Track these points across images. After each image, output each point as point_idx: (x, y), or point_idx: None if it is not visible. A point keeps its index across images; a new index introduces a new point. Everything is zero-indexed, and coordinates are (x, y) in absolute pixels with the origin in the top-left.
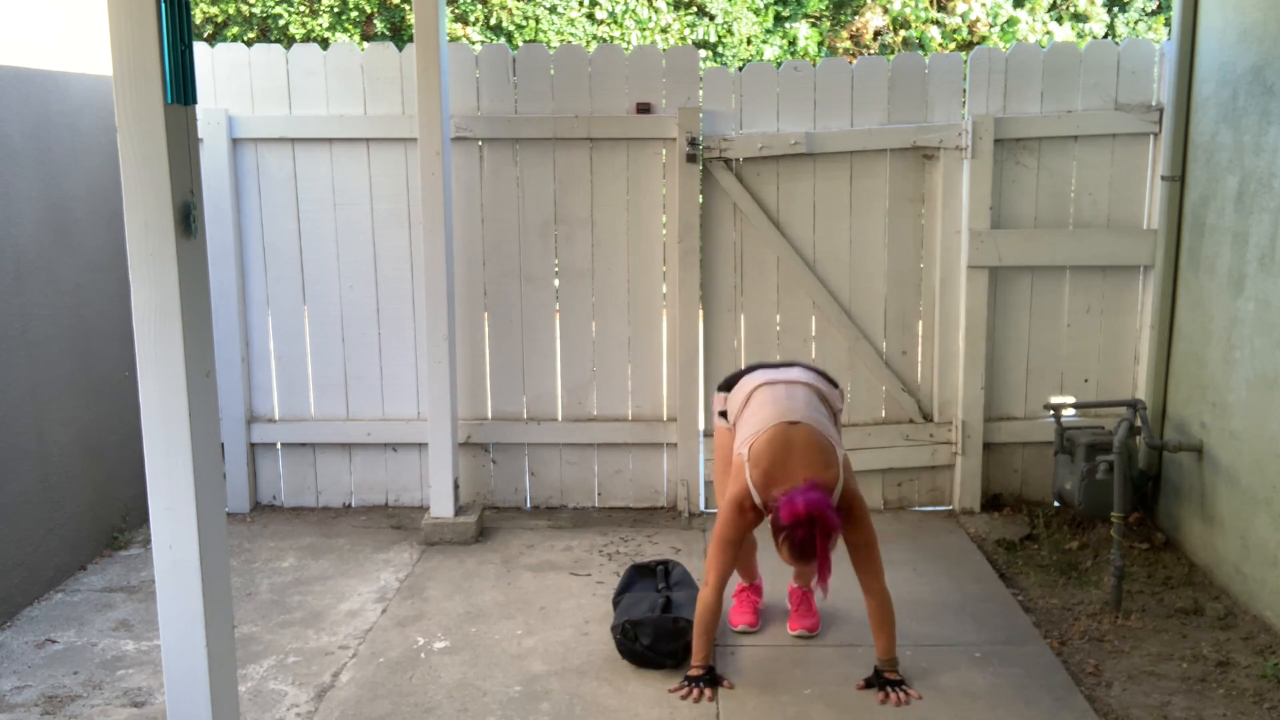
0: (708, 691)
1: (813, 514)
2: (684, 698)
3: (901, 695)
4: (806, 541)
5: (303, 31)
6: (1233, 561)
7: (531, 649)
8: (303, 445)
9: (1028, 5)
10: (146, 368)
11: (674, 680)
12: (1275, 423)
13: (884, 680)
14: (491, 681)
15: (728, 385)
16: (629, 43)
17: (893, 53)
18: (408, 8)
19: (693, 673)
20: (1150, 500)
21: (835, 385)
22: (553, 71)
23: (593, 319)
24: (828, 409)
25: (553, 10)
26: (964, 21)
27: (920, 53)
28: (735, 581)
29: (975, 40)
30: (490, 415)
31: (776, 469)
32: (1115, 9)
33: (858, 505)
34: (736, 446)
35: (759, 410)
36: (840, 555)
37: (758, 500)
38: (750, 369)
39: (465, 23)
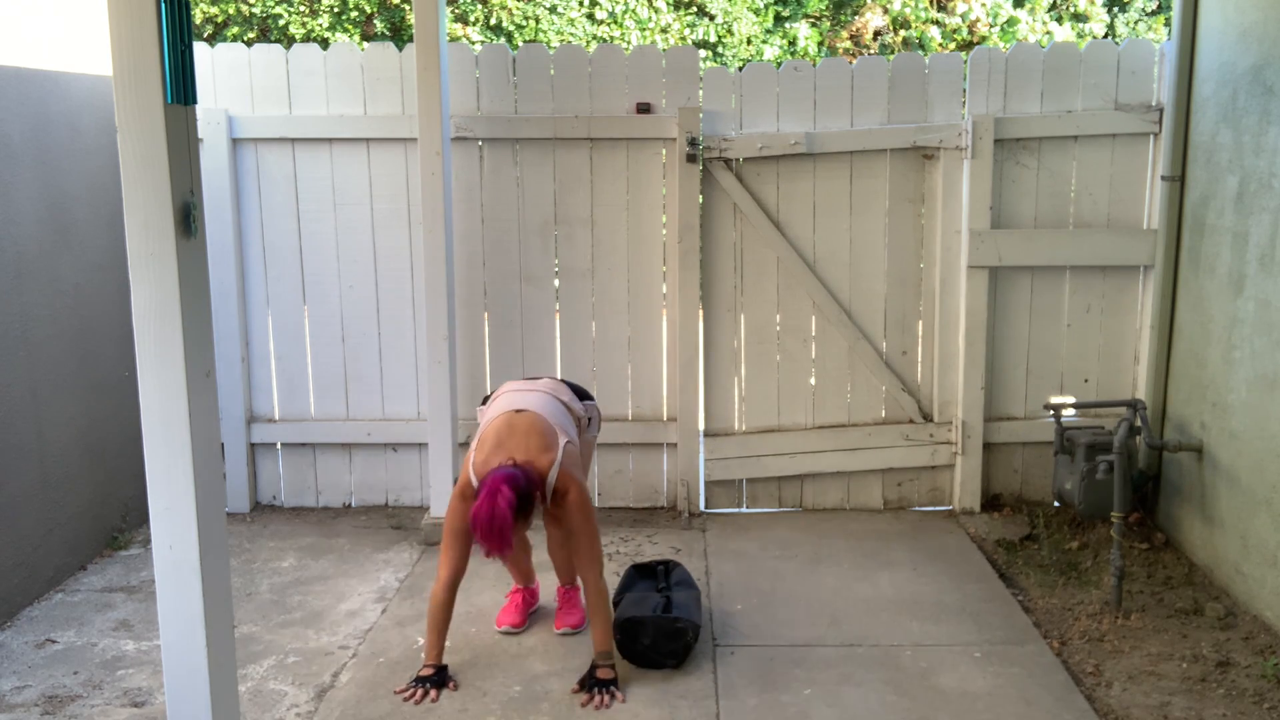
0: (434, 693)
1: (497, 494)
2: (408, 699)
3: (606, 698)
4: (483, 514)
5: (303, 31)
6: (1233, 561)
7: (531, 649)
8: (303, 445)
9: (1028, 5)
10: (146, 368)
11: (674, 680)
12: (1275, 423)
13: (594, 680)
14: (491, 681)
15: (485, 400)
16: (629, 43)
17: (893, 53)
18: (408, 8)
19: (423, 672)
20: (1150, 500)
21: (589, 398)
22: (553, 71)
23: (593, 319)
24: (567, 412)
25: (553, 10)
26: (964, 21)
27: (920, 53)
28: (735, 587)
29: (975, 40)
30: None
31: (494, 453)
32: (1115, 9)
33: (574, 491)
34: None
35: (493, 408)
36: (824, 555)
37: (475, 484)
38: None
39: (465, 23)
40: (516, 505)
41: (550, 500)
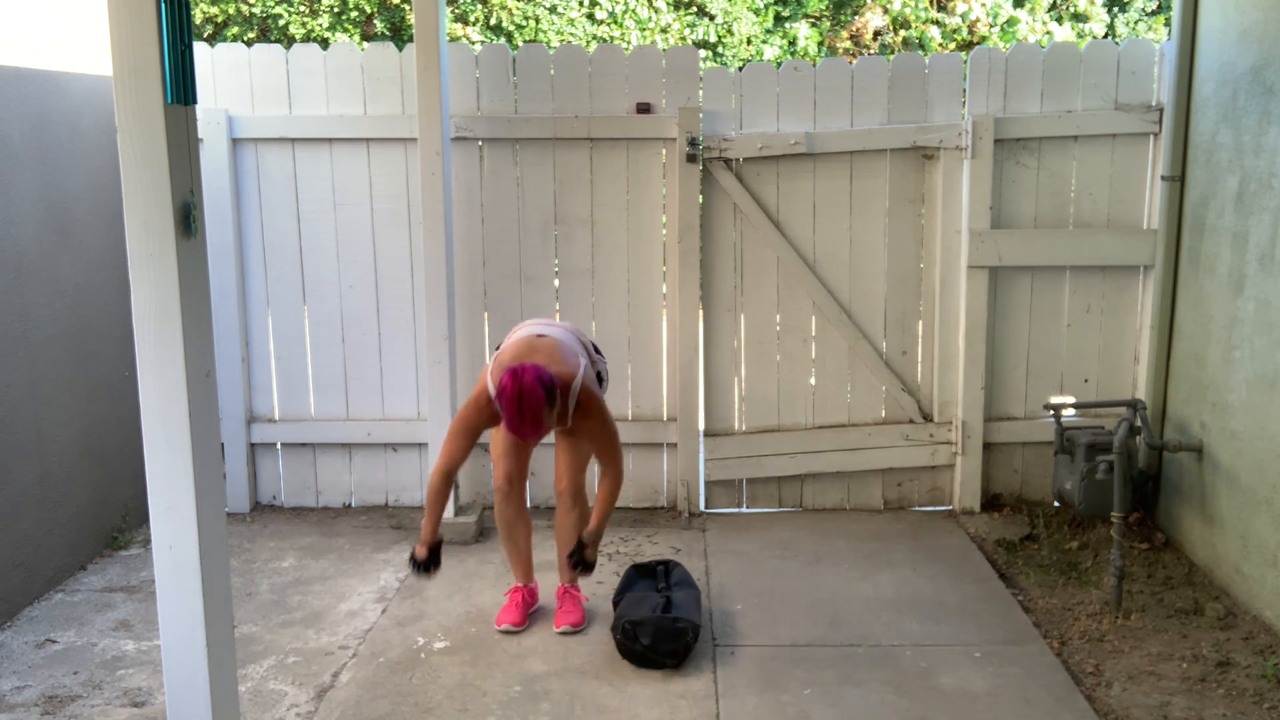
0: (433, 571)
1: (523, 372)
2: (412, 572)
3: (581, 572)
4: (510, 389)
5: (303, 31)
6: (1233, 561)
7: (531, 649)
8: (303, 445)
9: (1028, 5)
10: (146, 368)
11: (674, 680)
12: (1275, 423)
13: (579, 557)
14: (491, 681)
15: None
16: (629, 43)
17: (893, 53)
18: (408, 8)
19: (416, 553)
20: (1150, 500)
21: (599, 353)
22: (553, 71)
23: (593, 319)
24: (586, 354)
25: (553, 10)
26: (964, 21)
27: (920, 53)
28: (736, 585)
29: (975, 40)
30: None
31: (515, 363)
32: (1115, 9)
33: (596, 403)
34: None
35: (512, 338)
36: (824, 555)
37: (494, 391)
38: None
39: (465, 23)
40: (546, 383)
41: (573, 410)
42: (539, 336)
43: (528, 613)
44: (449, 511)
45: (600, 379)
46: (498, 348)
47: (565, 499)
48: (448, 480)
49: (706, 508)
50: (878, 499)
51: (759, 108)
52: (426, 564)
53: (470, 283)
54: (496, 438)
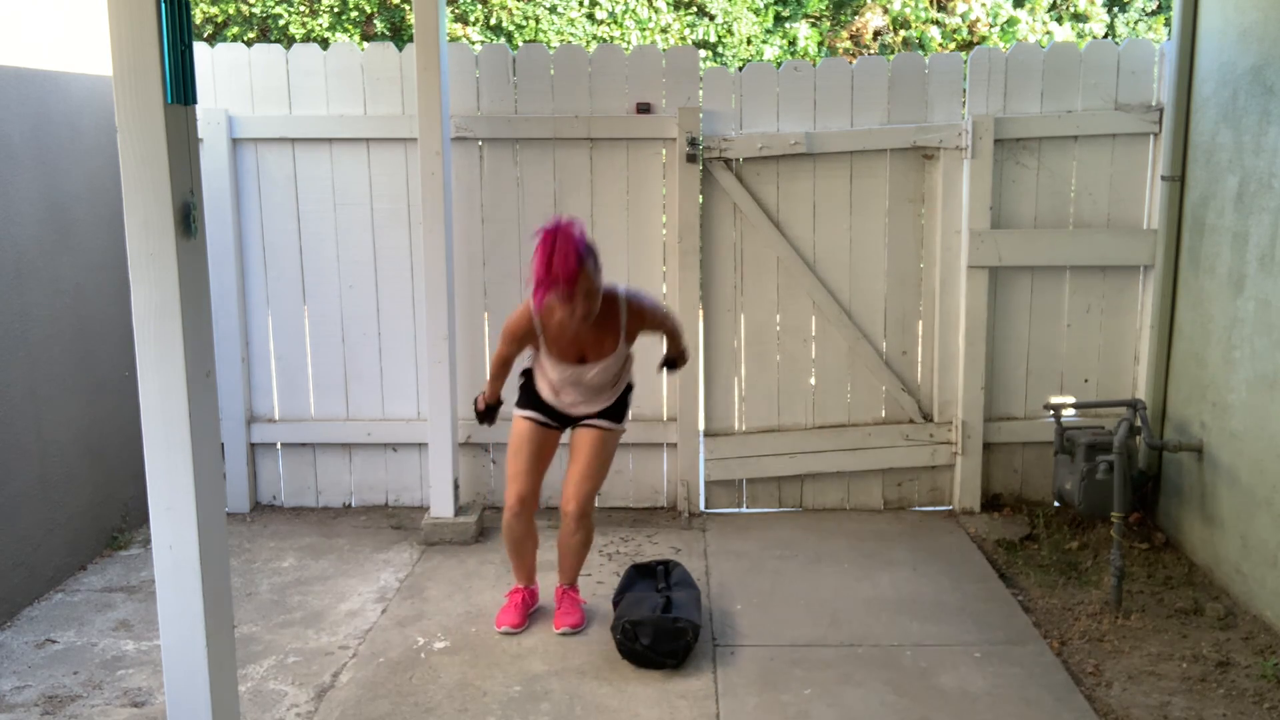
0: (487, 423)
1: (560, 226)
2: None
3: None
4: (549, 247)
5: (303, 31)
6: (1233, 561)
7: (531, 649)
8: (303, 445)
9: (1028, 5)
10: (146, 368)
11: (674, 680)
12: (1275, 423)
13: (672, 362)
14: (491, 681)
15: None
16: (629, 43)
17: (893, 53)
18: (408, 8)
19: (478, 403)
20: (1150, 500)
21: None
22: (553, 71)
23: None
24: None
25: (553, 10)
26: (964, 21)
27: (920, 53)
28: (735, 585)
29: (975, 40)
30: None
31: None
32: (1115, 9)
33: (649, 307)
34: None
35: None
36: (824, 555)
37: (533, 307)
38: None
39: (465, 23)
40: (584, 234)
41: (627, 320)
42: None
43: (527, 614)
44: (448, 510)
45: (628, 386)
46: None
47: (570, 521)
48: (507, 365)
49: (706, 508)
50: (878, 499)
51: (759, 108)
52: (484, 416)
53: (470, 283)
54: (515, 451)
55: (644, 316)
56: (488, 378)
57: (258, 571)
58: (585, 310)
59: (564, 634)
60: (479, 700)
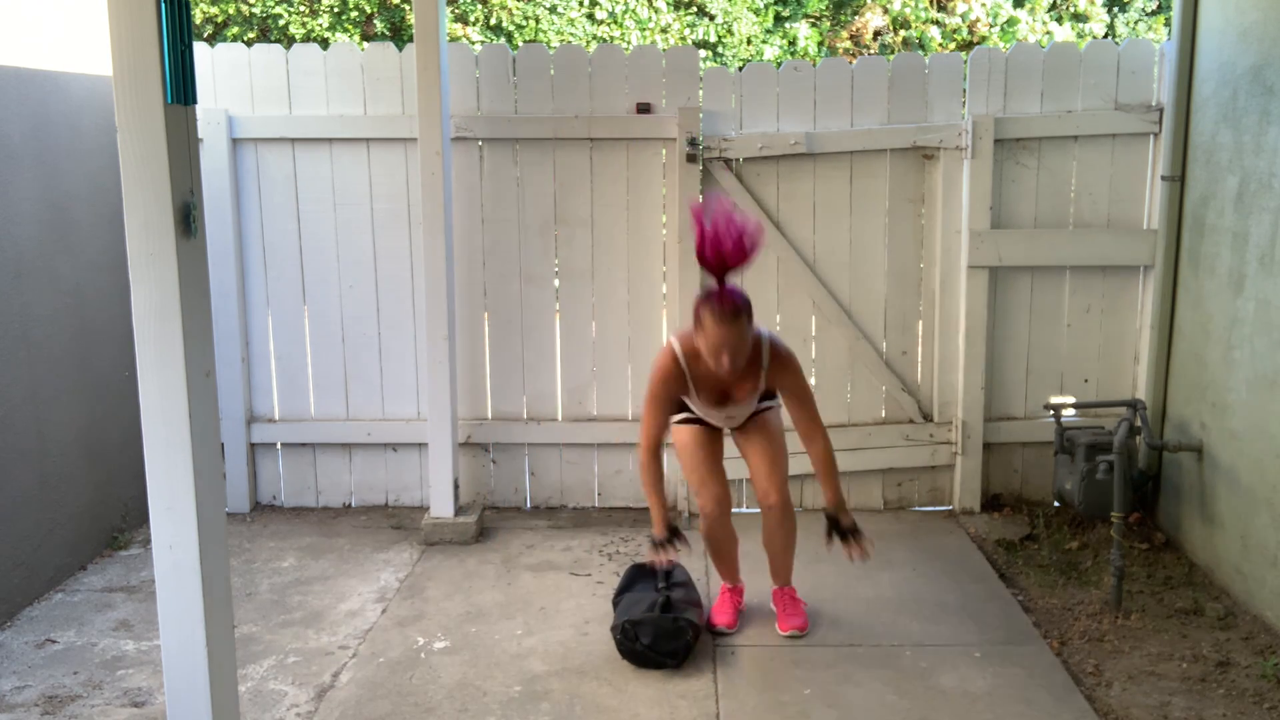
0: (674, 552)
1: (719, 221)
2: (654, 565)
3: (859, 550)
4: (714, 231)
5: (303, 31)
6: (1233, 561)
7: (531, 649)
8: (303, 445)
9: (1028, 5)
10: (146, 368)
11: (674, 680)
12: (1275, 423)
13: (842, 528)
14: (491, 681)
15: None
16: (629, 43)
17: (893, 53)
18: (408, 8)
19: (656, 534)
20: (1150, 500)
21: None
22: (553, 71)
23: (593, 319)
24: None
25: (553, 10)
26: (964, 21)
27: (920, 53)
28: (719, 581)
29: (975, 40)
30: (490, 415)
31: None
32: (1115, 9)
33: (791, 356)
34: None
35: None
36: (825, 554)
37: (679, 348)
38: None
39: (465, 23)
40: (742, 223)
41: (768, 365)
42: None
43: (738, 612)
44: (448, 510)
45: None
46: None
47: (775, 513)
48: (658, 456)
49: None
50: (878, 499)
51: (759, 108)
52: (670, 540)
53: (470, 283)
54: (691, 459)
55: (786, 367)
56: (648, 494)
57: (258, 571)
58: (736, 365)
59: (791, 636)
60: (479, 700)
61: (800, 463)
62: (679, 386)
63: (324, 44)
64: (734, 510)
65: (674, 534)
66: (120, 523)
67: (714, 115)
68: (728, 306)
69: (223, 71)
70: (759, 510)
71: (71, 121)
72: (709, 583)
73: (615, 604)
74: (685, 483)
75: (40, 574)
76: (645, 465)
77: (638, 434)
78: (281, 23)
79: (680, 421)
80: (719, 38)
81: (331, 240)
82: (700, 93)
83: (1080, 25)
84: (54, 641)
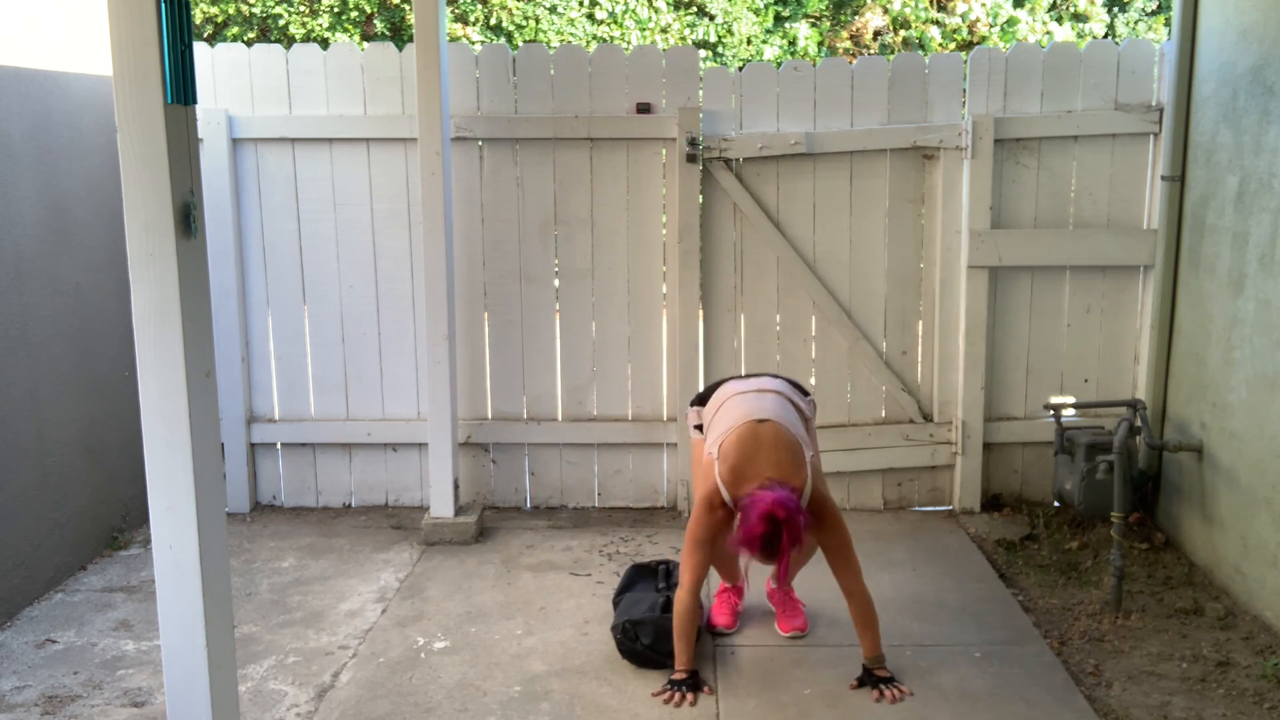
0: (689, 696)
1: (778, 511)
2: (666, 701)
3: (895, 692)
4: (771, 538)
5: (303, 31)
6: (1233, 561)
7: (531, 649)
8: (303, 445)
9: (1028, 5)
10: (146, 368)
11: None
12: (1275, 423)
13: (875, 679)
14: (491, 681)
15: (701, 400)
16: (629, 43)
17: (893, 53)
18: (408, 8)
19: (676, 676)
20: (1150, 500)
21: (806, 394)
22: (553, 71)
23: (593, 319)
24: (799, 415)
25: (553, 10)
26: (964, 21)
27: (920, 53)
28: (718, 580)
29: (975, 40)
30: (490, 415)
31: (745, 464)
32: (1115, 9)
33: (828, 509)
34: (707, 447)
35: (729, 412)
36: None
37: (727, 497)
38: (721, 381)
39: (465, 23)
40: (802, 527)
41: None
42: (760, 422)
43: (737, 612)
44: (449, 510)
45: (810, 421)
46: (702, 400)
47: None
48: (697, 598)
49: None
50: (878, 499)
51: (759, 108)
52: (686, 686)
53: (470, 283)
54: (704, 474)
55: (821, 525)
56: (675, 637)
57: (258, 571)
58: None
59: (793, 637)
60: (479, 700)
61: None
62: (724, 523)
63: (324, 44)
64: None
65: (695, 677)
66: (120, 523)
67: (714, 115)
68: (785, 562)
69: (223, 71)
70: None
71: (71, 121)
72: (709, 583)
73: (615, 604)
74: (686, 483)
75: (40, 574)
76: (683, 605)
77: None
78: (281, 23)
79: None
80: (719, 38)
81: (331, 240)
82: (700, 93)
83: (1080, 25)
84: (54, 641)
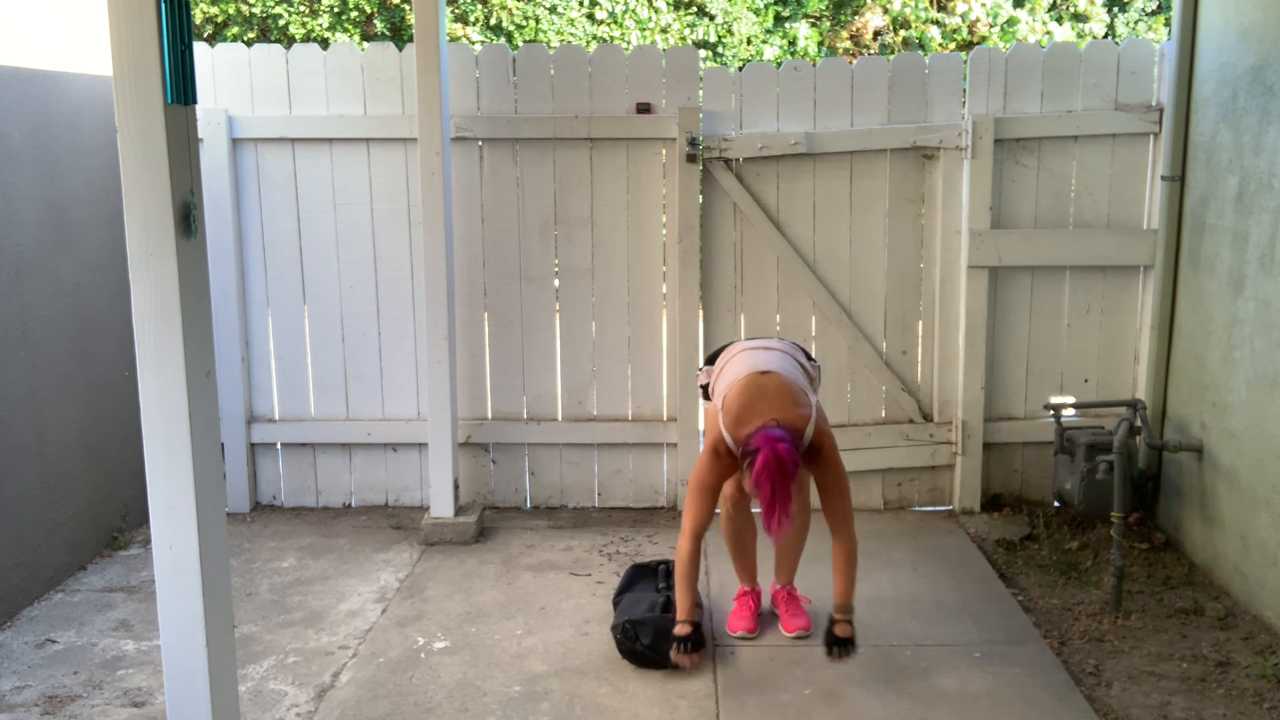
0: (695, 657)
1: (778, 443)
2: (677, 666)
3: (841, 655)
4: (768, 470)
5: (303, 31)
6: (1233, 561)
7: (531, 649)
8: (303, 445)
9: (1028, 5)
10: (146, 368)
11: (674, 680)
12: (1275, 423)
13: (832, 636)
14: (491, 681)
15: (710, 360)
16: (629, 43)
17: (893, 53)
18: (408, 8)
19: (679, 631)
20: (1150, 500)
21: (812, 359)
22: (553, 71)
23: (593, 319)
24: (803, 373)
25: (553, 10)
26: (964, 21)
27: (920, 53)
28: (736, 585)
29: (975, 40)
30: (490, 415)
31: (747, 411)
32: (1115, 9)
33: (828, 445)
34: (713, 400)
35: (734, 367)
36: (824, 555)
37: (730, 443)
38: (729, 344)
39: (465, 23)
40: (796, 463)
41: (804, 455)
42: (764, 374)
43: (757, 616)
44: (449, 510)
45: (816, 383)
46: (710, 360)
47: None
48: (698, 544)
49: None
50: (878, 499)
51: (759, 108)
52: (691, 643)
53: (470, 283)
54: (709, 470)
55: (819, 460)
56: (676, 584)
57: (258, 571)
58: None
59: (798, 636)
60: (479, 700)
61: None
62: (729, 470)
63: (324, 44)
64: None
65: (698, 630)
66: (120, 523)
67: (714, 115)
68: (782, 503)
69: (223, 71)
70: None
71: (71, 121)
72: (709, 583)
73: (615, 604)
74: (685, 483)
75: (40, 574)
76: (685, 552)
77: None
78: (281, 23)
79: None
80: (719, 38)
81: (331, 240)
82: (700, 93)
83: (1080, 25)
84: (54, 641)
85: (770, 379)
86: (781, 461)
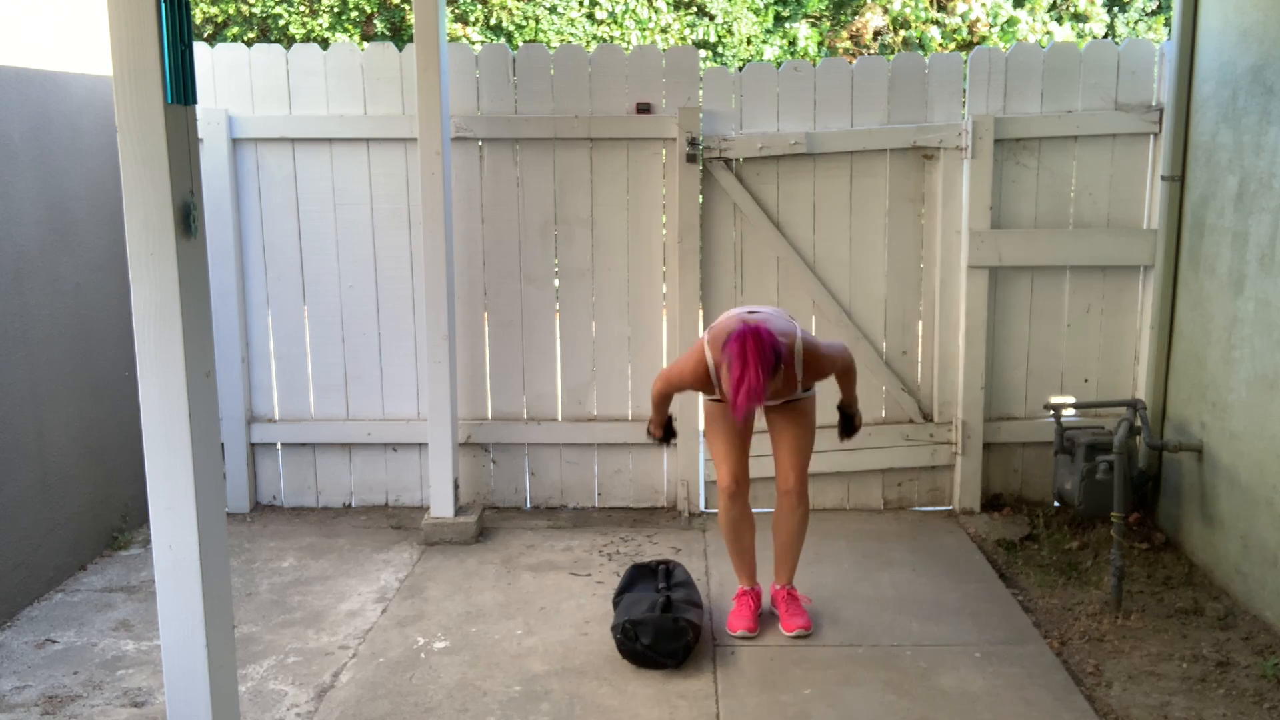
0: (672, 441)
1: (757, 326)
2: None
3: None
4: (742, 338)
5: (303, 31)
6: (1233, 561)
7: (531, 649)
8: (303, 445)
9: (1028, 5)
10: (146, 368)
11: (674, 680)
12: (1275, 423)
13: (853, 425)
14: (491, 681)
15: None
16: (629, 43)
17: (893, 53)
18: (408, 8)
19: (653, 432)
20: (1150, 500)
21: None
22: (553, 71)
23: (593, 319)
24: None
25: (553, 10)
26: (964, 21)
27: (920, 53)
28: (736, 585)
29: (975, 40)
30: (490, 415)
31: (729, 321)
32: (1115, 9)
33: (822, 352)
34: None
35: (725, 319)
36: (824, 555)
37: (710, 360)
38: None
39: (465, 23)
40: (776, 348)
41: (803, 372)
42: (750, 312)
43: (758, 615)
44: (448, 510)
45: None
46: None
47: (790, 498)
48: (670, 400)
49: (706, 507)
50: (878, 499)
51: (759, 108)
52: (665, 438)
53: (470, 283)
54: (715, 432)
55: (817, 367)
56: (654, 409)
57: (258, 571)
58: (770, 395)
59: (797, 636)
60: (479, 700)
61: (814, 462)
62: (703, 387)
63: (324, 44)
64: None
65: (668, 429)
66: (120, 523)
67: (714, 115)
68: (751, 391)
69: (223, 71)
70: (769, 510)
71: (71, 121)
72: (709, 583)
73: (615, 604)
74: (686, 483)
75: (40, 574)
76: (658, 392)
77: (649, 395)
78: (281, 23)
79: (713, 400)
80: (719, 38)
81: (331, 240)
82: (700, 93)
83: (1080, 25)
84: (54, 641)
85: (755, 315)
86: (758, 334)
